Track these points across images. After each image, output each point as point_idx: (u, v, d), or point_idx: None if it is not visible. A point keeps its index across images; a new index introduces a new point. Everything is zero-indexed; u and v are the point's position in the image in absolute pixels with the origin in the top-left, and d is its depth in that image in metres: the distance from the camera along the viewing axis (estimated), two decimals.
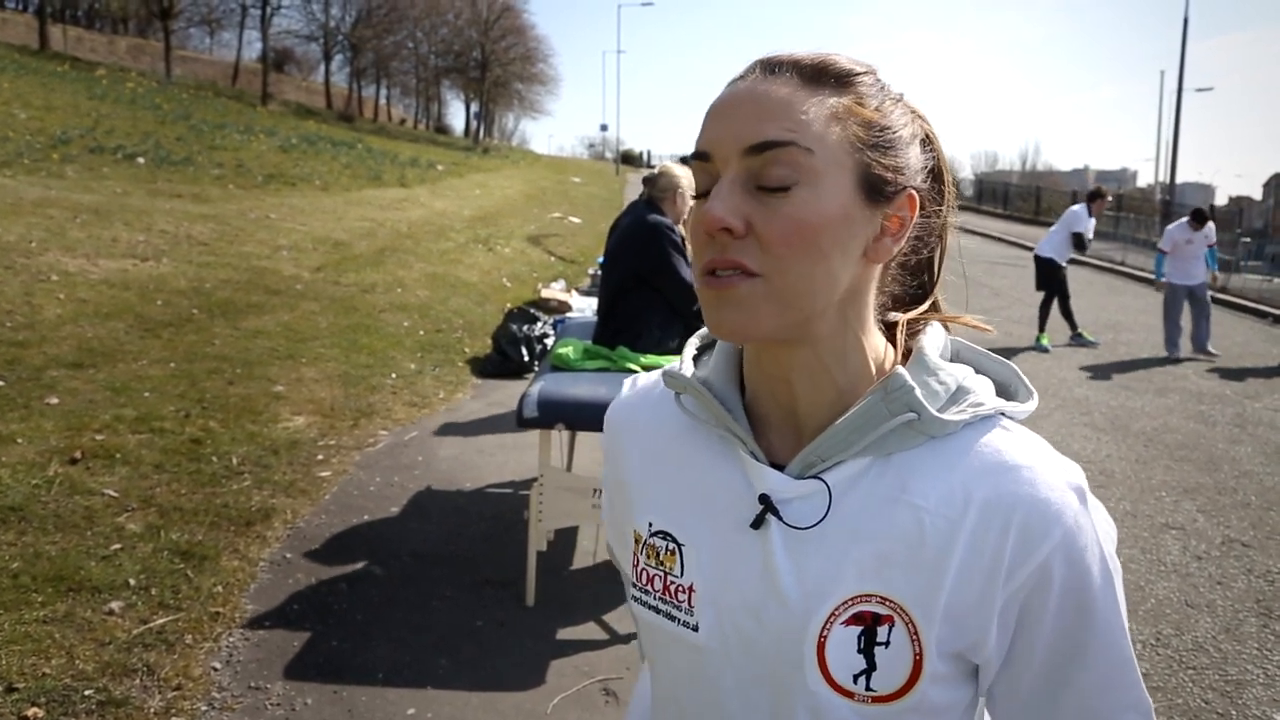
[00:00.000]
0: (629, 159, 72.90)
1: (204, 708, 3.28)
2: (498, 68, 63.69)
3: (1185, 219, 11.51)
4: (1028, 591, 0.87)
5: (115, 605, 3.75)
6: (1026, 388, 0.98)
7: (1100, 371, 9.96)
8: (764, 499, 0.93)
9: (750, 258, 0.86)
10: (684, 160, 5.51)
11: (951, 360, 1.01)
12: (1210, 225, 11.43)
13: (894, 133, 0.91)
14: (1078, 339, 11.56)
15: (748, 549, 0.94)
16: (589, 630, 4.00)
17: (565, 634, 3.95)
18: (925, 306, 1.04)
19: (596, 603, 4.22)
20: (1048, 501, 0.87)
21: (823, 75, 0.89)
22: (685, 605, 0.98)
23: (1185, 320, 11.21)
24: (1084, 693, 0.90)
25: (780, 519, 0.92)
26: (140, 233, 11.12)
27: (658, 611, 1.00)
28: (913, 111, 0.97)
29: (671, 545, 1.00)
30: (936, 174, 0.99)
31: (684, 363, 1.05)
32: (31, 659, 3.33)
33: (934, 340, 0.98)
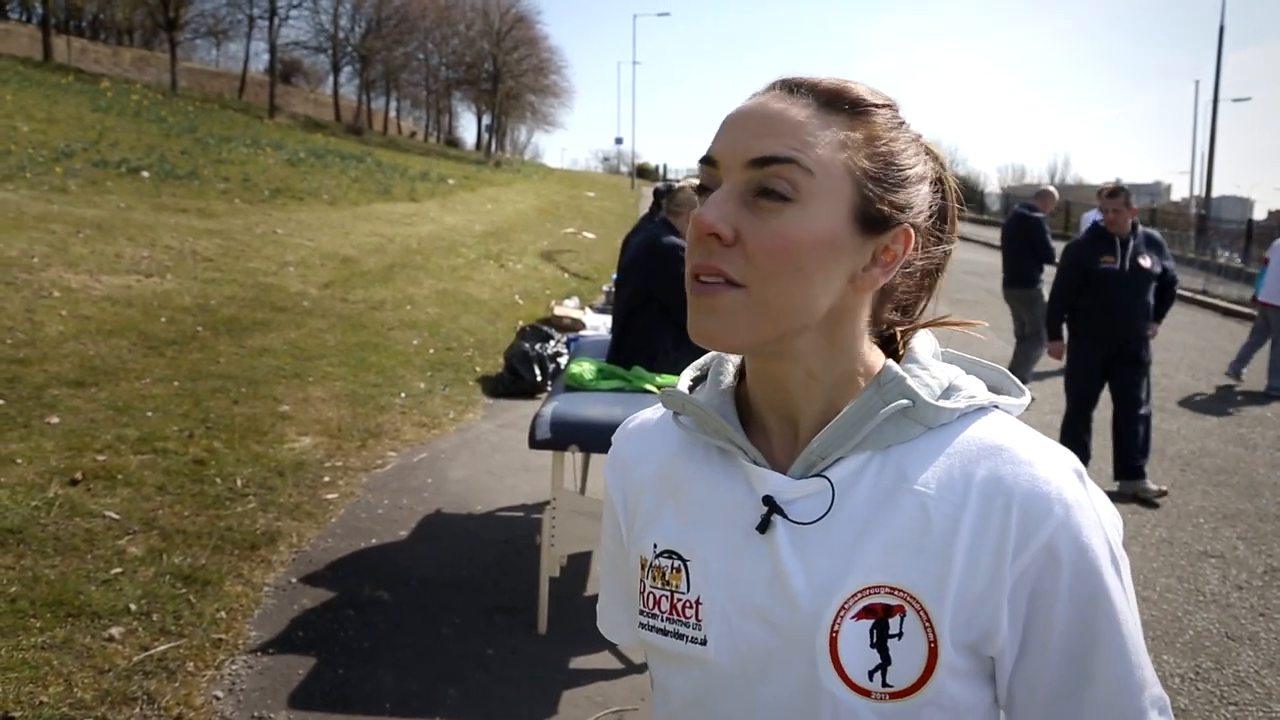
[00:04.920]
0: (644, 173, 72.60)
1: None
2: (510, 79, 63.71)
3: None
4: (1036, 573, 0.88)
5: (115, 631, 3.71)
6: (1018, 387, 1.02)
7: None
8: (768, 500, 0.95)
9: (734, 267, 0.89)
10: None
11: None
12: None
13: (900, 170, 0.94)
14: None
15: (755, 554, 0.95)
16: (603, 659, 3.94)
17: (578, 663, 3.90)
18: (915, 320, 1.08)
19: None
20: (1047, 480, 0.89)
21: (838, 102, 0.92)
22: (692, 620, 0.98)
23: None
24: (1106, 689, 0.89)
25: (785, 517, 0.94)
26: (144, 248, 11.11)
27: (665, 633, 1.01)
28: (928, 152, 0.99)
29: (677, 563, 1.01)
30: (944, 216, 1.02)
31: (680, 385, 1.08)
32: (29, 686, 3.29)
33: (923, 344, 1.02)
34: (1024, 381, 9.36)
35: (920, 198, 0.96)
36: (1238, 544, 5.65)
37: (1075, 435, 6.54)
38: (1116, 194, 6.40)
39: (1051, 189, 9.97)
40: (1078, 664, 0.89)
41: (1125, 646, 0.89)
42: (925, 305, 1.08)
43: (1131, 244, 6.35)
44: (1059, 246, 9.80)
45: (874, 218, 0.91)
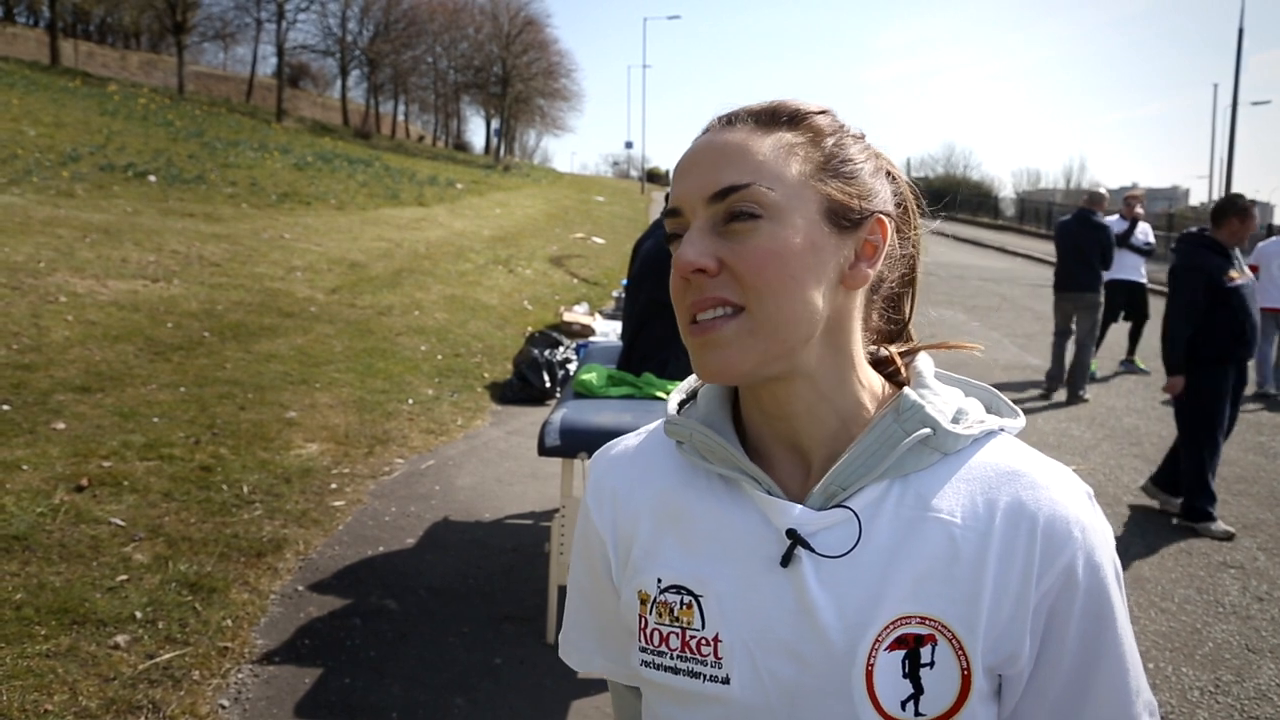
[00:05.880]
0: (654, 177, 71.91)
1: None
2: (519, 83, 63.29)
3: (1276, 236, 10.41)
4: (1055, 595, 0.90)
5: (121, 639, 3.69)
6: (1010, 406, 1.04)
7: (1150, 400, 9.59)
8: (791, 533, 0.93)
9: (729, 291, 0.90)
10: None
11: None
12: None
13: (853, 163, 0.96)
14: (1129, 365, 10.96)
15: (778, 588, 0.93)
16: None
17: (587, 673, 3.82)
18: (913, 339, 1.10)
19: None
20: (1066, 505, 0.92)
21: (776, 118, 0.96)
22: (711, 659, 0.96)
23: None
24: (1107, 698, 0.93)
25: (812, 551, 0.92)
26: (151, 253, 11.13)
27: (677, 672, 0.98)
28: (871, 149, 1.02)
29: (687, 599, 0.98)
30: (905, 208, 1.05)
31: (670, 408, 1.07)
32: (33, 694, 3.28)
33: (927, 366, 1.03)
34: (1083, 390, 9.30)
35: (880, 187, 0.98)
36: (1258, 554, 5.57)
37: (1205, 471, 5.78)
38: (1247, 205, 5.75)
39: (1102, 190, 9.77)
40: (1083, 676, 0.93)
41: (1125, 658, 0.93)
42: (911, 313, 1.10)
43: (1240, 257, 5.83)
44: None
45: (843, 212, 0.94)
